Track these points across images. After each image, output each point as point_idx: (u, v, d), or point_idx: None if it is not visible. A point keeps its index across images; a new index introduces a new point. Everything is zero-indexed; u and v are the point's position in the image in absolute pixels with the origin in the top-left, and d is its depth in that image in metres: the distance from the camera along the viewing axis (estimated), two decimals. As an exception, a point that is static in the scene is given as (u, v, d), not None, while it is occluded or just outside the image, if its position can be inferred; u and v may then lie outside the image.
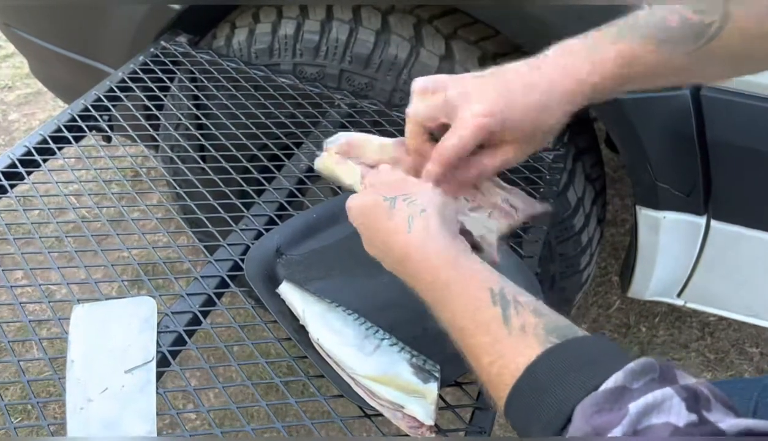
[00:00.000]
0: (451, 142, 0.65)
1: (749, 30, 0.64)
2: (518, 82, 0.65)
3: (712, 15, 0.63)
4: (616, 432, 0.41)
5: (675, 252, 1.22)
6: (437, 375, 0.73)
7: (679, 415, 0.40)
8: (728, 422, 0.39)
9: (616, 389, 0.43)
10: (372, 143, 0.75)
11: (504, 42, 1.20)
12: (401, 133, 1.16)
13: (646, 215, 1.17)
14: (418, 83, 0.69)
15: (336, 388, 0.74)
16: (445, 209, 0.63)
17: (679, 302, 1.32)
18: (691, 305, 1.33)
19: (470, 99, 0.64)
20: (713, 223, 1.14)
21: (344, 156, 0.75)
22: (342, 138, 0.76)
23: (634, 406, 0.41)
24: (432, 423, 0.70)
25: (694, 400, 0.41)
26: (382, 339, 0.76)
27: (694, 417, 0.40)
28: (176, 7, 1.28)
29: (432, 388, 0.72)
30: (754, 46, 0.65)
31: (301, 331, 0.79)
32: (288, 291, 0.82)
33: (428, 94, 0.68)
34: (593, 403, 0.43)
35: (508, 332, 0.52)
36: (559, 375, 0.47)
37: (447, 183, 0.69)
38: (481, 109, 0.64)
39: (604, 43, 0.65)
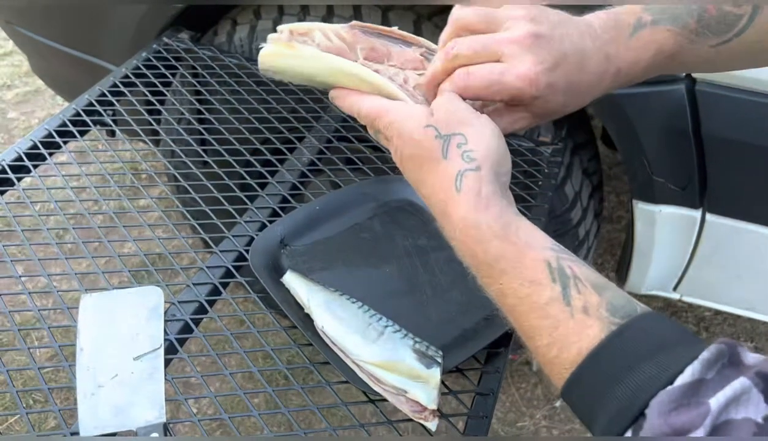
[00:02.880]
0: (488, 78, 0.59)
1: None
2: (574, 64, 0.60)
3: (745, 7, 0.61)
4: (699, 433, 0.39)
5: (671, 245, 1.24)
6: (440, 360, 0.75)
7: (757, 407, 0.40)
8: None
9: (693, 383, 0.41)
10: (320, 29, 0.67)
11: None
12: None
13: (642, 209, 1.19)
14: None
15: (341, 374, 0.76)
16: (500, 163, 0.57)
17: (675, 296, 1.34)
18: (686, 299, 1.34)
19: (527, 51, 0.59)
20: (708, 216, 1.16)
21: (291, 43, 0.67)
22: (286, 27, 0.67)
23: (715, 402, 0.40)
24: (435, 407, 0.71)
25: None
26: (386, 326, 0.78)
27: None
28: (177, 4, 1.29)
29: (435, 373, 0.73)
30: None
31: (306, 319, 0.81)
32: (292, 280, 0.84)
33: (482, 18, 0.62)
34: (671, 400, 0.41)
35: (570, 314, 0.48)
36: (628, 364, 0.44)
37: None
38: (531, 73, 0.58)
39: (646, 26, 0.62)
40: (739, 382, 0.40)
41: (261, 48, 0.67)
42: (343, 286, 0.84)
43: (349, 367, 0.76)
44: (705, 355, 0.42)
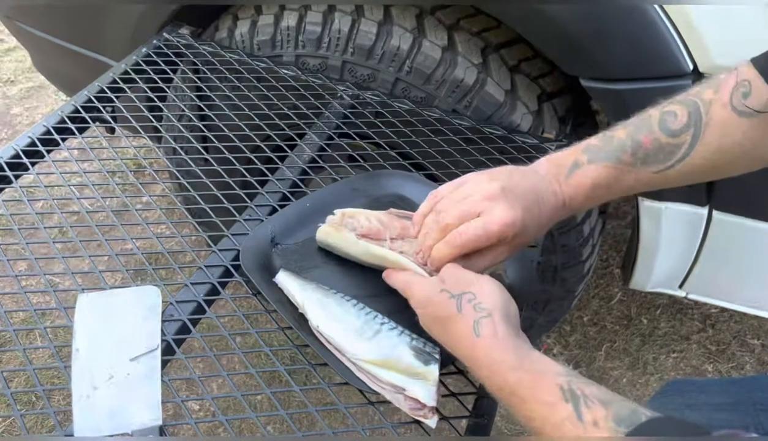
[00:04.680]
0: (475, 233, 0.72)
1: (711, 146, 0.72)
2: (533, 202, 0.74)
3: (684, 137, 0.72)
4: None
5: (677, 243, 1.22)
6: (437, 357, 0.74)
7: None
8: None
9: None
10: (365, 214, 0.86)
11: (506, 33, 1.20)
12: (403, 123, 1.17)
13: (647, 206, 1.18)
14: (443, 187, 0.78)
15: (338, 373, 0.75)
16: (508, 309, 0.68)
17: (681, 293, 1.33)
18: (692, 297, 1.33)
19: (498, 202, 0.72)
20: (715, 213, 1.15)
21: (341, 225, 0.86)
22: (339, 211, 0.87)
23: None
24: (434, 404, 0.71)
25: None
26: (382, 323, 0.77)
27: None
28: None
29: (433, 370, 0.72)
30: (715, 158, 0.73)
31: (301, 319, 0.79)
32: (285, 280, 0.82)
33: (454, 191, 0.76)
34: None
35: (584, 429, 0.56)
36: None
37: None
38: (508, 218, 0.71)
39: (582, 166, 0.76)
40: None
41: (320, 226, 0.88)
42: (337, 284, 0.83)
43: (346, 367, 0.75)
44: None
